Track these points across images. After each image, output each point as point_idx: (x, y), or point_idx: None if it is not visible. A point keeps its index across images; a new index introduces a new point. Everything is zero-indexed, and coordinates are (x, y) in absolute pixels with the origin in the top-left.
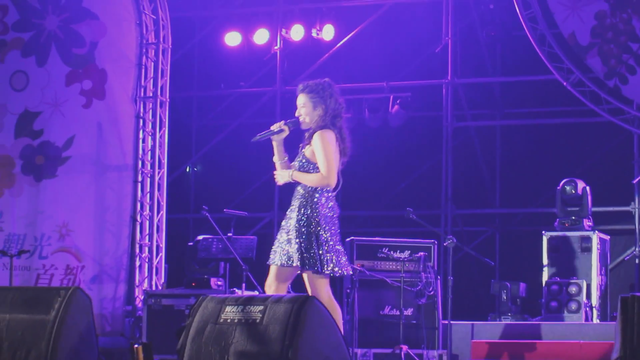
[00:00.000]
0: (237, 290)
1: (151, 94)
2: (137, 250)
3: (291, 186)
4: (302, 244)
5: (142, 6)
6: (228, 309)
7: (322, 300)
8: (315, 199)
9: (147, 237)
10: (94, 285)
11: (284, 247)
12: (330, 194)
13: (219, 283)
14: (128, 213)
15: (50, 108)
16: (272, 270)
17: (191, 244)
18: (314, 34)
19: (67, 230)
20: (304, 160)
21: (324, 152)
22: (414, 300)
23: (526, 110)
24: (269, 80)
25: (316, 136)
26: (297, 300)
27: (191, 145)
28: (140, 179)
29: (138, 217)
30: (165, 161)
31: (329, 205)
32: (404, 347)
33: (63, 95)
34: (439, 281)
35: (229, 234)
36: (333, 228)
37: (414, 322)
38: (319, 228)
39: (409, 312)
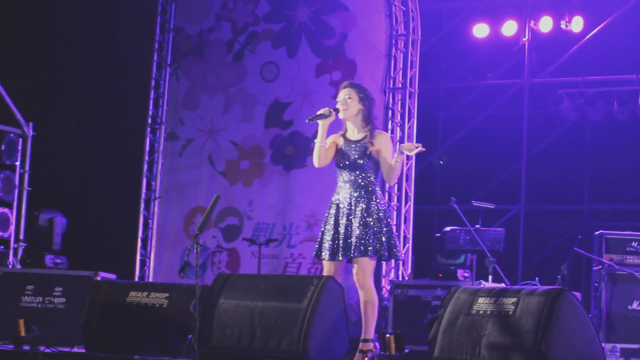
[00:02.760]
0: (483, 282)
1: (400, 85)
2: None
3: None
4: (371, 233)
5: None
6: (481, 300)
7: (369, 284)
8: (376, 190)
9: (394, 228)
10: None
11: (347, 240)
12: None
13: (466, 274)
14: None
15: (300, 99)
16: (335, 265)
17: (438, 235)
18: (562, 26)
19: (315, 219)
20: (367, 160)
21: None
22: None
23: None
24: (517, 72)
25: (384, 137)
26: (550, 293)
27: (438, 137)
28: None
29: None
30: None
31: (383, 197)
32: None
33: (313, 86)
34: None
35: (477, 226)
36: (390, 217)
37: None
38: (384, 216)
39: None
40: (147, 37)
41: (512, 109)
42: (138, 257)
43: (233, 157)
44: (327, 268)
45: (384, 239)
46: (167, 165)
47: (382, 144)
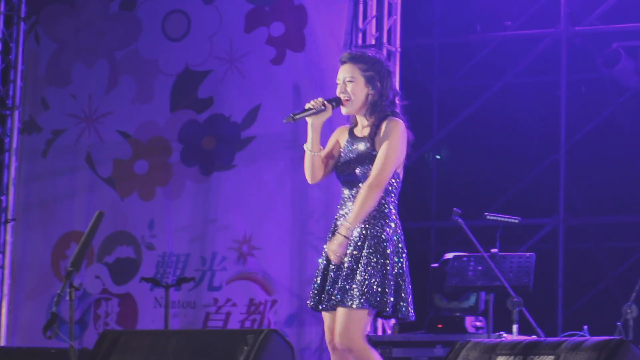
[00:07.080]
0: (505, 335)
1: (374, 42)
2: None
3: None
4: (372, 275)
5: None
6: None
7: (360, 345)
8: (386, 211)
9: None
10: (292, 329)
11: (341, 283)
12: (395, 201)
13: (478, 324)
14: None
15: (224, 65)
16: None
17: (436, 265)
18: None
19: (250, 247)
20: (368, 167)
21: (395, 144)
22: None
23: None
24: (549, 19)
25: (393, 123)
26: (606, 347)
27: (432, 119)
28: None
29: None
30: None
31: (397, 219)
32: None
33: (242, 45)
34: None
35: (493, 250)
36: (405, 251)
37: None
38: (393, 252)
39: None
40: None
41: (542, 74)
42: None
43: (124, 156)
44: (327, 323)
45: (380, 284)
46: (24, 171)
47: (385, 137)
